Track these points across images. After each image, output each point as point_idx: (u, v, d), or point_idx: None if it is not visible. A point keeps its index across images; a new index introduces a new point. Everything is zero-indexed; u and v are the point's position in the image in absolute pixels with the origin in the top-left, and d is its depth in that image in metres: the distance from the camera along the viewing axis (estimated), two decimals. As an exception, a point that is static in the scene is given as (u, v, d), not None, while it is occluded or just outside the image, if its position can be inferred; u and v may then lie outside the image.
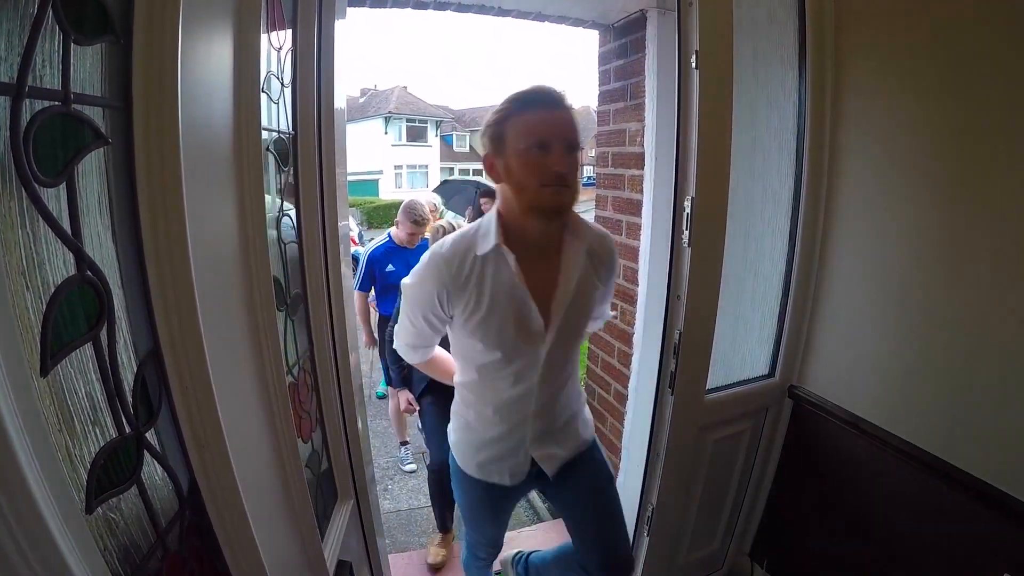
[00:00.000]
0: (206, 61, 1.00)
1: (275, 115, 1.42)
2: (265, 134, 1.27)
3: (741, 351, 2.45)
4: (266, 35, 1.29)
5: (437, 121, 38.21)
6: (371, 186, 33.77)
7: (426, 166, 37.17)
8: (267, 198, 1.28)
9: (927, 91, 1.89)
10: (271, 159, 1.37)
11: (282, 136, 1.42)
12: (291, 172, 1.47)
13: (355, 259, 12.30)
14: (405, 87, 38.68)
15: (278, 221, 1.39)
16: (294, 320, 1.44)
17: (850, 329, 2.26)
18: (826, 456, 2.40)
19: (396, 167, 35.75)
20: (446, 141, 39.47)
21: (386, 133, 35.75)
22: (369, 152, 34.29)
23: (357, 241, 14.22)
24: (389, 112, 35.67)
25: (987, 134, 1.73)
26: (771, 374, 2.50)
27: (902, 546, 2.07)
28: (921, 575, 2.01)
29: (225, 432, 0.93)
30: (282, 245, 1.40)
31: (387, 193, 33.24)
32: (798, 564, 2.58)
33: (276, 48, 1.41)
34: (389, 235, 4.21)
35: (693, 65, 1.87)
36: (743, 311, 2.38)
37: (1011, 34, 1.63)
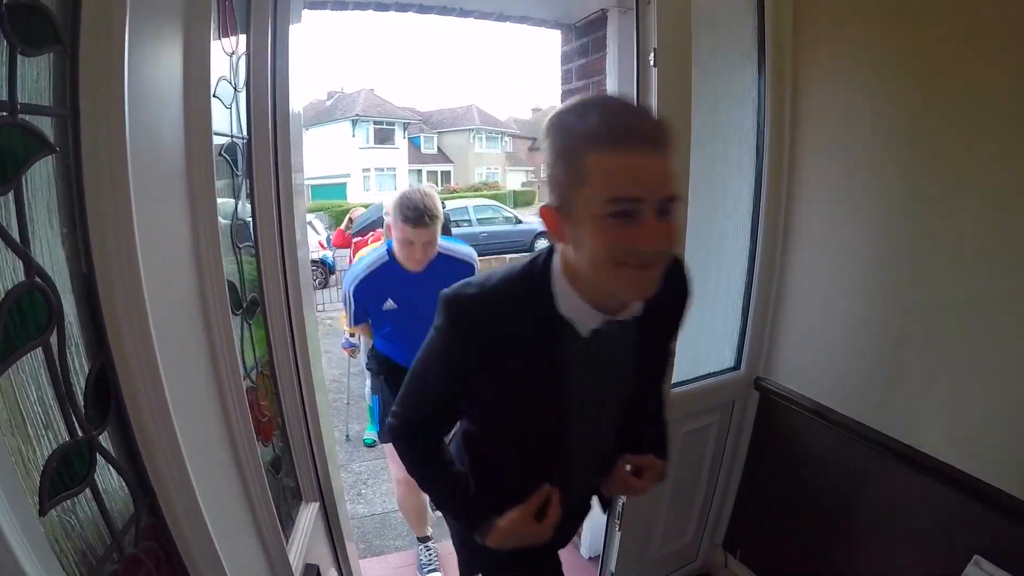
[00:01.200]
0: (155, 67, 1.03)
1: (229, 120, 1.44)
2: (218, 139, 1.30)
3: (706, 344, 2.50)
4: (218, 40, 1.31)
5: (405, 123, 38.12)
6: (339, 190, 33.55)
7: (394, 169, 37.05)
8: (222, 202, 1.30)
9: (886, 86, 1.95)
10: (225, 164, 1.39)
11: (235, 141, 1.44)
12: (245, 177, 1.49)
13: (323, 263, 12.10)
14: (372, 89, 38.51)
15: (234, 226, 1.41)
16: (251, 324, 1.46)
17: (814, 321, 2.32)
18: (794, 446, 2.46)
19: (364, 170, 35.57)
20: (414, 143, 39.37)
21: (353, 136, 35.57)
22: (336, 155, 34.12)
23: (325, 245, 14.17)
24: (356, 115, 35.51)
25: (947, 128, 1.79)
26: (737, 366, 2.56)
27: (873, 532, 2.13)
28: (893, 559, 2.06)
29: (180, 435, 0.95)
30: (237, 249, 1.42)
31: (355, 197, 33.06)
32: (771, 552, 2.64)
33: (228, 53, 1.43)
34: (388, 248, 2.65)
35: (651, 63, 1.91)
36: (707, 305, 2.43)
37: (971, 31, 1.69)
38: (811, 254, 2.31)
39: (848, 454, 2.20)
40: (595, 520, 2.64)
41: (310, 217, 18.74)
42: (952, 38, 1.74)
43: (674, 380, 2.29)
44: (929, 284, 1.88)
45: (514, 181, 41.46)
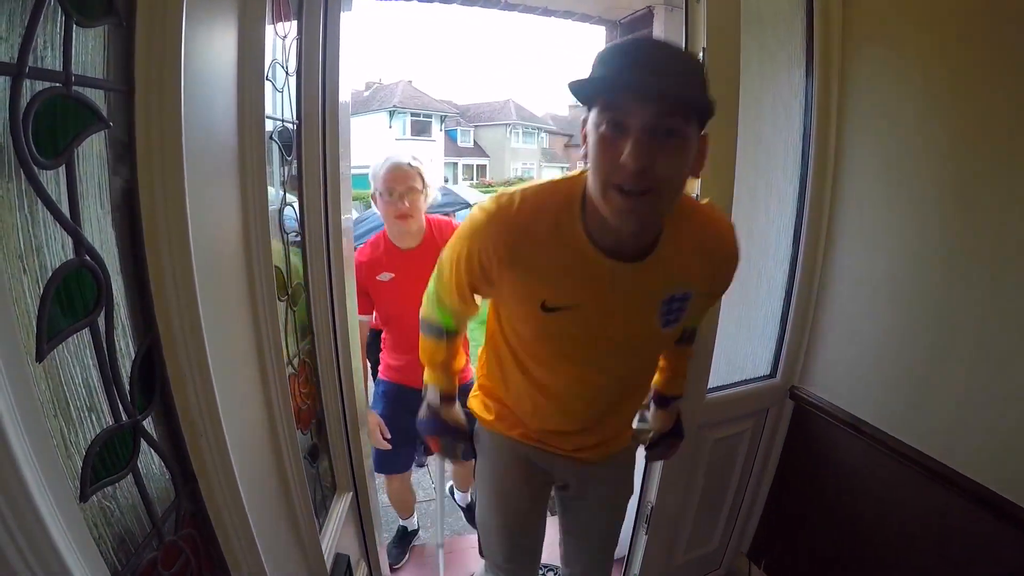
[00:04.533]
0: (209, 47, 0.99)
1: (279, 104, 1.41)
2: (269, 123, 1.27)
3: (743, 351, 2.44)
4: (271, 24, 1.28)
5: (441, 116, 38.20)
6: (373, 180, 33.81)
7: (430, 161, 37.20)
8: (270, 188, 1.27)
9: (934, 93, 1.87)
10: (275, 149, 1.35)
11: (286, 126, 1.41)
12: (295, 163, 1.46)
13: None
14: (410, 81, 38.69)
15: (281, 211, 1.38)
16: (295, 311, 1.43)
17: (853, 331, 2.25)
18: (826, 457, 2.39)
19: (400, 160, 35.81)
20: (450, 136, 39.47)
21: (390, 127, 35.72)
22: (373, 146, 34.29)
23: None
24: (394, 106, 35.65)
25: (993, 138, 1.72)
26: (772, 374, 2.49)
27: (901, 549, 2.06)
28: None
29: (223, 422, 0.92)
30: (284, 235, 1.39)
31: (390, 187, 33.31)
32: (796, 565, 2.57)
33: (281, 37, 1.40)
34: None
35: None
36: (746, 310, 2.37)
37: (1021, 39, 1.62)
38: (853, 263, 2.24)
39: (881, 469, 2.12)
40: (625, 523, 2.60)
41: (348, 204, 18.91)
42: (1004, 45, 1.66)
43: (709, 385, 2.24)
44: (972, 299, 1.80)
45: (549, 177, 41.40)
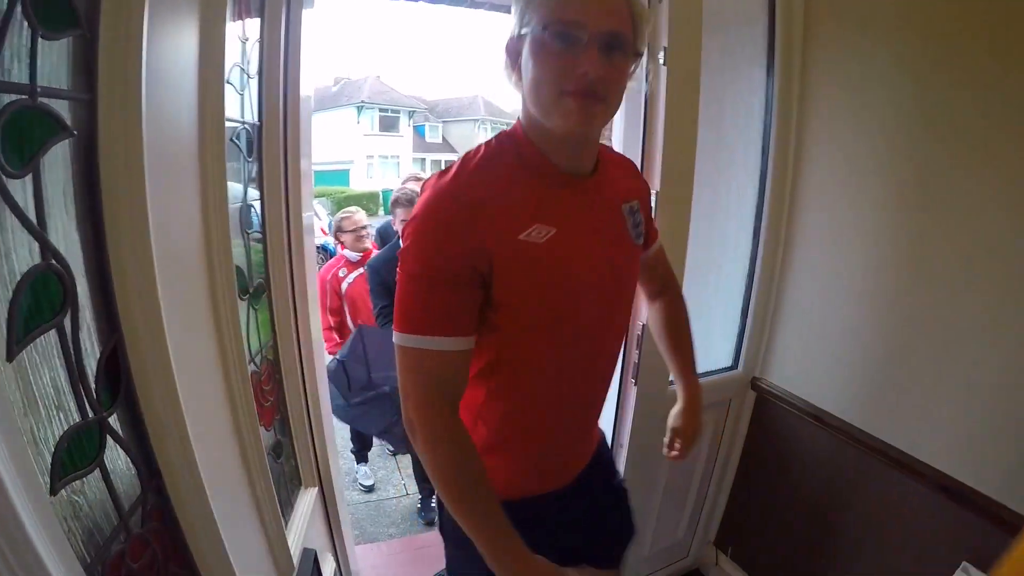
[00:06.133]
0: (172, 53, 1.03)
1: (241, 106, 1.44)
2: (230, 125, 1.31)
3: (704, 343, 2.50)
4: (232, 26, 1.31)
5: (410, 111, 38.05)
6: (342, 176, 33.61)
7: (398, 156, 37.02)
8: (233, 188, 1.31)
9: (894, 93, 1.95)
10: (236, 149, 1.39)
11: (247, 127, 1.45)
12: (256, 163, 1.50)
13: (324, 249, 12.05)
14: (379, 76, 38.48)
15: (242, 211, 1.42)
16: (257, 309, 1.47)
17: (813, 323, 2.33)
18: (789, 447, 2.47)
19: (368, 157, 35.57)
20: (418, 131, 39.34)
21: (359, 122, 35.53)
22: (341, 142, 34.11)
23: (327, 231, 14.13)
24: (362, 101, 35.47)
25: (951, 138, 1.79)
26: (734, 366, 2.57)
27: (864, 535, 2.15)
28: (883, 563, 2.08)
29: (187, 417, 0.97)
30: (245, 234, 1.43)
31: (358, 183, 33.09)
32: (762, 552, 2.66)
33: (242, 40, 1.44)
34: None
35: (661, 61, 1.91)
36: (707, 304, 2.45)
37: (983, 42, 1.70)
38: (812, 257, 2.32)
39: (842, 457, 2.21)
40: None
41: (314, 203, 18.72)
42: (965, 50, 1.74)
43: (671, 377, 2.30)
44: (929, 293, 1.89)
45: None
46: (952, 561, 1.75)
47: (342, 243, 4.01)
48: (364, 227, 3.95)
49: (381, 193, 27.95)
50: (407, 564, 3.06)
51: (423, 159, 38.02)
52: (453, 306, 1.05)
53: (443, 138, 41.15)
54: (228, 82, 1.26)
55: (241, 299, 1.30)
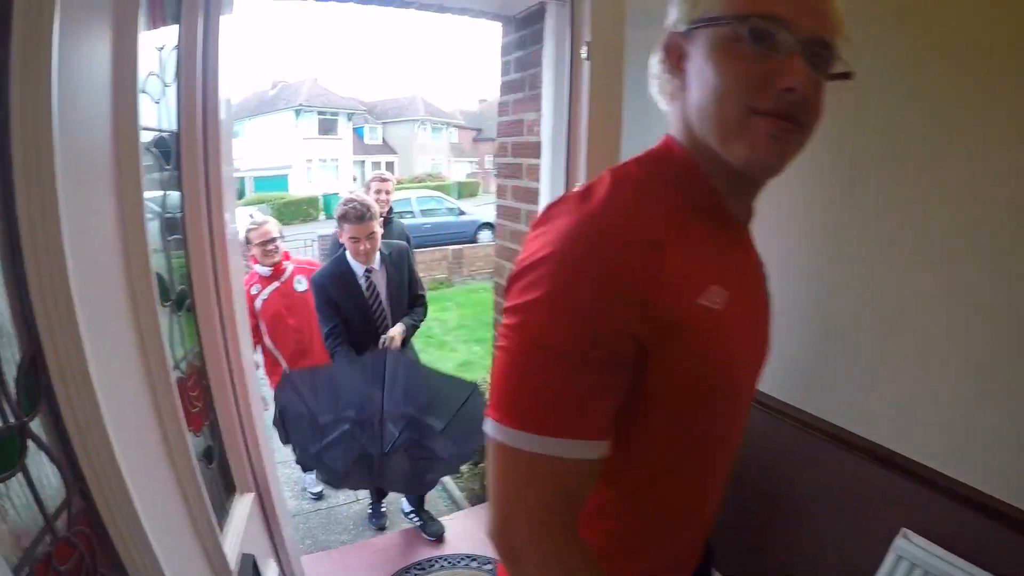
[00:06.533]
0: (84, 63, 1.05)
1: (158, 114, 1.46)
2: (147, 133, 1.33)
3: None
4: (148, 35, 1.33)
5: (349, 113, 37.65)
6: (281, 181, 33.10)
7: (337, 159, 36.62)
8: (152, 195, 1.33)
9: None
10: (153, 157, 1.41)
11: (165, 135, 1.47)
12: (175, 170, 1.52)
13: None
14: (316, 79, 37.99)
15: (162, 219, 1.44)
16: (179, 316, 1.49)
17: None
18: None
19: (307, 161, 35.06)
20: (357, 134, 38.95)
21: (297, 126, 35.03)
22: (279, 146, 33.60)
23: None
24: (300, 104, 34.95)
25: (880, 126, 1.91)
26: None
27: (806, 507, 2.25)
28: (827, 533, 2.19)
29: (108, 422, 0.99)
30: (167, 242, 1.44)
31: (297, 188, 32.62)
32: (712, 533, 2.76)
33: (158, 48, 1.45)
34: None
35: (584, 56, 1.98)
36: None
37: (903, 31, 1.82)
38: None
39: (780, 436, 2.31)
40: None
41: (251, 210, 18.40)
42: (879, 40, 1.85)
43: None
44: (858, 276, 2.00)
45: (459, 172, 41.53)
46: (892, 528, 1.86)
47: (252, 257, 3.61)
48: (273, 239, 3.62)
49: (321, 197, 27.63)
50: (360, 570, 3.07)
51: (363, 161, 37.67)
52: (602, 396, 0.74)
53: (383, 140, 40.88)
54: (144, 91, 1.28)
55: (163, 306, 1.32)
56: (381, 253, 3.17)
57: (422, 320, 3.40)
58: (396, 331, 3.11)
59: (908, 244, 1.85)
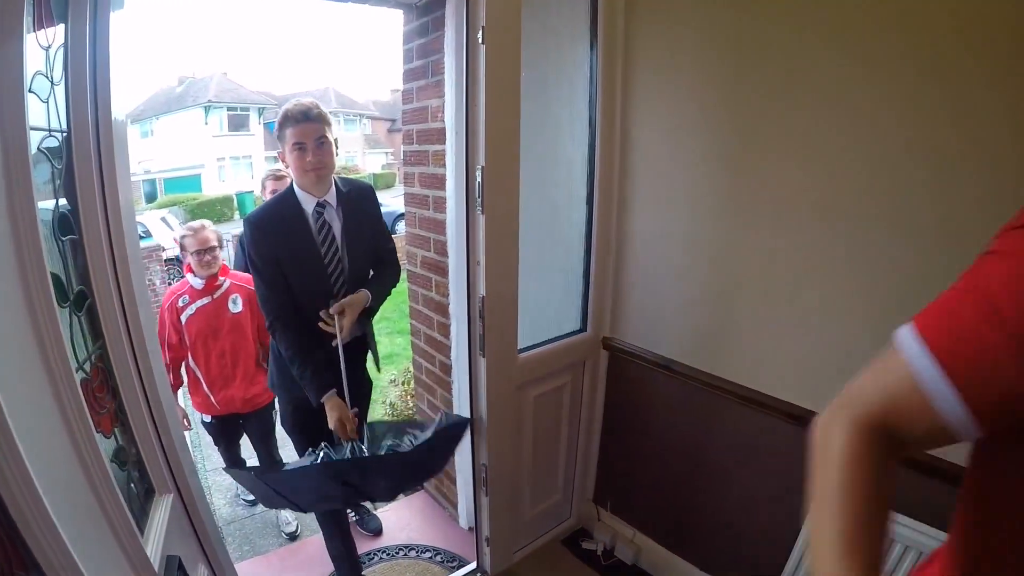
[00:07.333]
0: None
1: (47, 114, 1.44)
2: (36, 134, 1.32)
3: (551, 310, 2.68)
4: (33, 34, 1.32)
5: (260, 108, 36.73)
6: (194, 182, 32.20)
7: (250, 156, 35.75)
8: (43, 196, 1.32)
9: (711, 63, 2.20)
10: (44, 157, 1.40)
11: (54, 134, 1.45)
12: (66, 169, 1.50)
13: (179, 261, 11.51)
14: (225, 73, 36.98)
15: (55, 218, 1.43)
16: (80, 316, 1.48)
17: (653, 282, 2.55)
18: (647, 399, 2.70)
19: (219, 159, 34.13)
20: (269, 129, 38.04)
21: (207, 123, 34.04)
22: (189, 145, 32.66)
23: (179, 241, 13.56)
24: (208, 101, 33.92)
25: (758, 95, 2.06)
26: (583, 328, 2.75)
27: (731, 469, 2.42)
28: (753, 492, 2.36)
29: (12, 425, 0.99)
30: (60, 243, 1.43)
31: (211, 188, 31.80)
32: (639, 500, 2.89)
33: (44, 47, 1.43)
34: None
35: (480, 40, 2.03)
36: (549, 272, 2.62)
37: (783, 12, 1.94)
38: (646, 219, 2.54)
39: (697, 401, 2.46)
40: (470, 491, 2.79)
41: (163, 213, 17.91)
42: (765, 17, 1.98)
43: (520, 346, 2.45)
44: (748, 238, 2.15)
45: (374, 163, 41.09)
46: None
47: (187, 265, 3.35)
48: (212, 247, 3.29)
49: (235, 196, 27.03)
50: (298, 570, 3.09)
51: (276, 156, 36.98)
52: (1011, 389, 0.67)
53: (296, 134, 40.05)
54: (31, 90, 1.27)
55: (61, 306, 1.32)
56: (338, 189, 2.40)
57: (393, 285, 2.59)
58: (350, 303, 2.35)
59: (794, 210, 1.99)
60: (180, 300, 3.30)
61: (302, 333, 2.32)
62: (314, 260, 2.32)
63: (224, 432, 3.59)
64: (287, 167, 2.36)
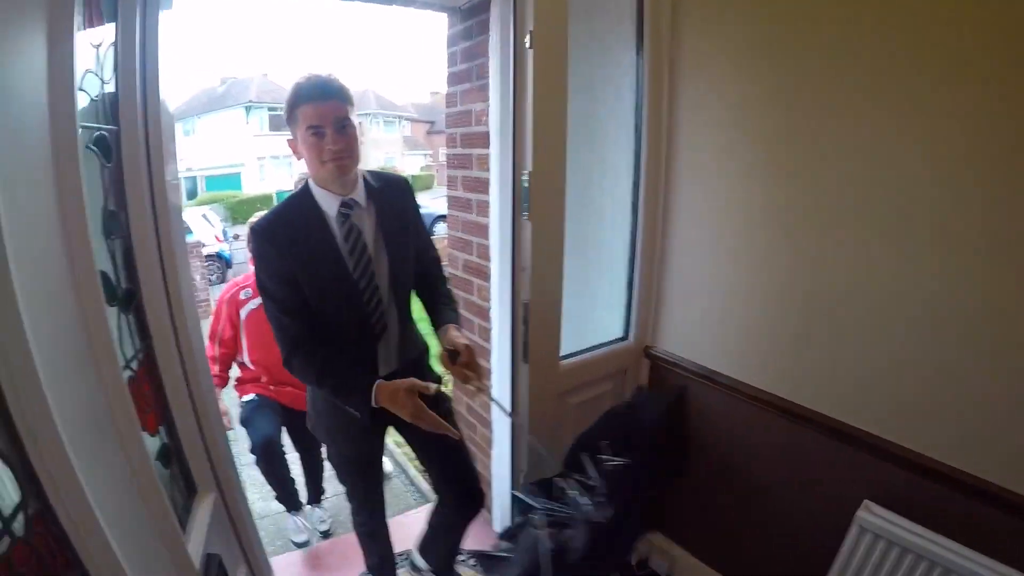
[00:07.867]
0: (19, 64, 1.06)
1: (96, 112, 1.46)
2: (86, 131, 1.33)
3: (593, 317, 2.65)
4: (84, 32, 1.34)
5: (300, 109, 37.23)
6: (234, 180, 32.73)
7: (289, 156, 36.15)
8: (93, 194, 1.34)
9: (758, 72, 2.15)
10: (93, 156, 1.41)
11: (104, 132, 1.47)
12: (116, 168, 1.52)
13: (220, 257, 11.66)
14: (265, 74, 37.58)
15: (105, 216, 1.44)
16: (128, 315, 1.50)
17: (696, 291, 2.51)
18: (687, 409, 2.64)
19: (259, 158, 34.64)
20: (311, 128, 38.51)
21: (247, 123, 34.61)
22: (231, 144, 33.18)
23: (221, 239, 13.79)
24: (250, 101, 34.50)
25: (809, 107, 2.01)
26: (625, 337, 2.73)
27: (770, 483, 2.36)
28: (792, 507, 2.29)
29: (59, 424, 1.00)
30: (110, 240, 1.45)
31: (251, 186, 32.27)
32: (672, 512, 2.83)
33: (95, 45, 1.45)
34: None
35: (527, 45, 2.02)
36: (592, 279, 2.60)
37: (833, 24, 1.89)
38: (691, 228, 2.50)
39: (739, 414, 2.41)
40: (506, 497, 2.77)
41: (204, 210, 18.21)
42: (815, 31, 1.94)
43: (562, 353, 2.44)
44: (798, 254, 2.10)
45: (413, 165, 41.29)
46: (855, 499, 1.96)
47: (252, 258, 2.72)
48: None
49: (275, 195, 27.36)
50: (331, 569, 3.10)
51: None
52: None
53: (334, 133, 40.52)
54: (81, 88, 1.29)
55: (110, 305, 1.33)
56: (367, 184, 1.96)
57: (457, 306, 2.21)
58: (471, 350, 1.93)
59: (844, 220, 1.94)
60: (242, 293, 3.16)
61: (329, 359, 1.86)
62: (341, 277, 1.86)
63: (266, 408, 3.25)
64: (299, 158, 1.88)
